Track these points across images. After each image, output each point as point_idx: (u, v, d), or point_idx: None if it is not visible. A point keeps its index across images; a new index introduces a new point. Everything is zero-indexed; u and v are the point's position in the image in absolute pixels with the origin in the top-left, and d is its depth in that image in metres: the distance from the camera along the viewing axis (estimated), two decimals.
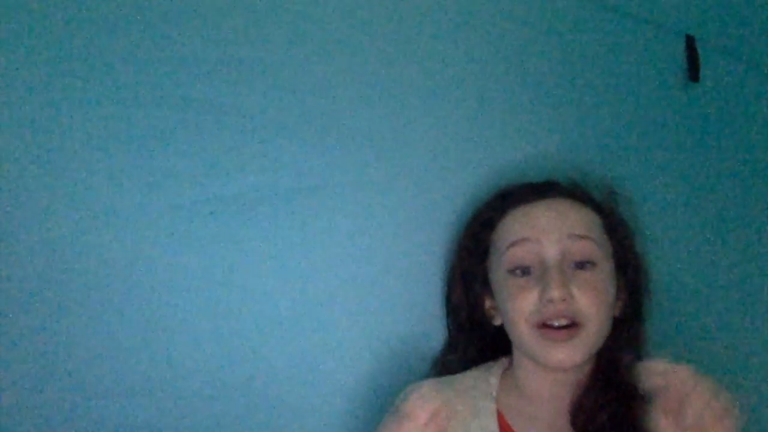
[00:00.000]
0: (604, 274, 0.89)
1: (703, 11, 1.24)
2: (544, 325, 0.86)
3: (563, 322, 0.85)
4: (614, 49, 1.17)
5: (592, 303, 0.86)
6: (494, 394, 0.91)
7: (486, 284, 0.95)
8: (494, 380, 0.92)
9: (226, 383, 0.87)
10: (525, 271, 0.88)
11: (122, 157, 0.84)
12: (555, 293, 0.84)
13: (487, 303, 0.96)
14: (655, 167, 1.18)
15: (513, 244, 0.89)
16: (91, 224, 0.82)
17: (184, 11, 0.88)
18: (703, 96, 1.23)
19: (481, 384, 0.92)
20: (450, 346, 0.99)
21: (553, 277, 0.85)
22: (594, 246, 0.89)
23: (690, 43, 1.21)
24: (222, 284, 0.88)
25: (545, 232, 0.88)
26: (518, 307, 0.87)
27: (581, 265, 0.88)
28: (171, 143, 0.87)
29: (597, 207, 0.95)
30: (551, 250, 0.87)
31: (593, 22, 1.16)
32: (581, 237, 0.88)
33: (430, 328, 1.00)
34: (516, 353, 0.93)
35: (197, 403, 0.86)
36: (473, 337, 0.97)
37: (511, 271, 0.89)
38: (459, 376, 0.94)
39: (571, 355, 0.85)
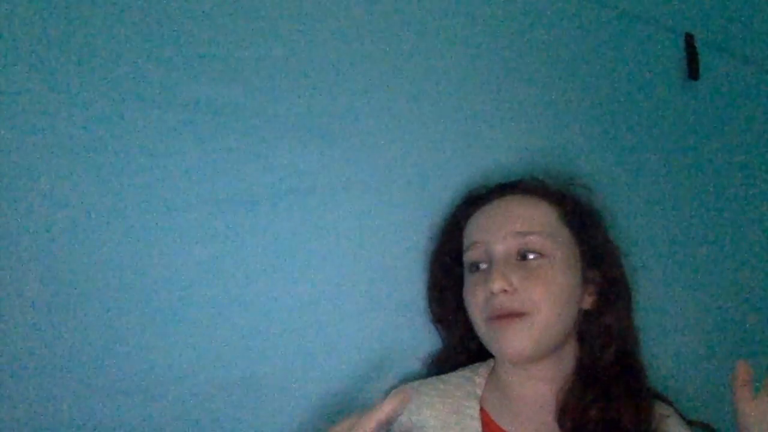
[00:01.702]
0: (555, 265, 0.88)
1: (702, 10, 1.24)
2: (492, 317, 0.87)
3: (506, 312, 0.86)
4: (614, 47, 1.17)
5: (538, 292, 0.85)
6: (479, 393, 0.91)
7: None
8: (479, 380, 0.93)
9: (224, 383, 0.87)
10: (477, 267, 0.91)
11: (122, 158, 0.84)
12: (494, 285, 0.85)
13: None
14: (654, 164, 1.19)
15: (468, 249, 0.92)
16: (91, 224, 0.82)
17: (184, 12, 0.87)
18: (703, 94, 1.23)
19: (465, 384, 0.92)
20: (442, 347, 0.99)
21: (493, 270, 0.87)
22: (541, 239, 0.88)
23: (689, 41, 1.22)
24: (220, 284, 0.88)
25: (492, 233, 0.90)
26: (472, 302, 0.90)
27: (525, 256, 0.88)
28: (170, 143, 0.86)
29: (555, 200, 0.94)
30: (497, 248, 0.89)
31: (592, 20, 1.16)
32: (525, 233, 0.89)
33: (427, 328, 1.00)
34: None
35: (195, 403, 0.86)
36: (459, 338, 0.97)
37: (469, 269, 0.92)
38: (445, 377, 0.94)
39: (519, 342, 0.85)
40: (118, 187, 0.83)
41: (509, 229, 0.89)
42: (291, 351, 0.91)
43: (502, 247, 0.88)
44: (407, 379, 0.97)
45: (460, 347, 0.97)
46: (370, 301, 0.97)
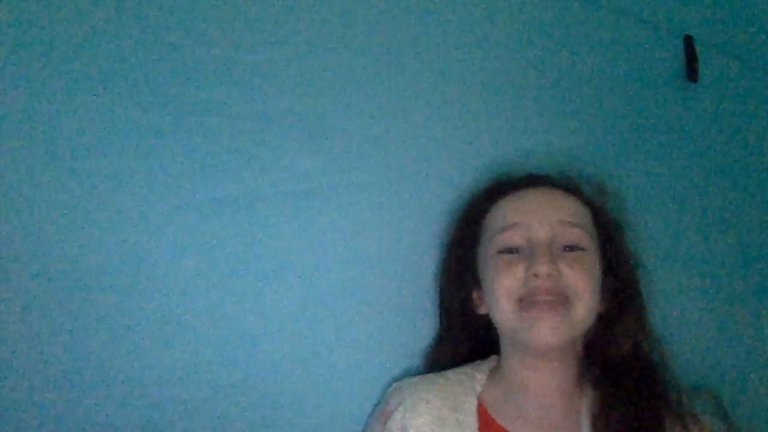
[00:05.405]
0: (593, 259, 0.88)
1: (701, 11, 1.24)
2: (529, 302, 0.84)
3: (550, 298, 0.83)
4: (613, 48, 1.17)
5: (581, 279, 0.84)
6: (479, 389, 0.90)
7: (475, 275, 0.94)
8: (480, 375, 0.92)
9: (224, 383, 0.87)
10: (513, 251, 0.88)
11: (122, 159, 0.85)
12: (542, 268, 0.83)
13: (474, 293, 0.94)
14: (654, 166, 1.18)
15: (503, 229, 0.89)
16: (91, 225, 0.83)
17: (185, 13, 0.88)
18: (702, 96, 1.23)
19: (465, 380, 0.91)
20: (441, 340, 0.98)
21: (541, 253, 0.85)
22: (584, 234, 0.88)
23: (688, 43, 1.22)
24: (221, 285, 0.88)
25: (536, 217, 0.88)
26: (502, 283, 0.86)
27: (571, 248, 0.87)
28: (171, 145, 0.87)
29: (587, 200, 0.94)
30: (541, 232, 0.87)
31: (592, 21, 1.16)
32: (572, 224, 0.88)
33: (425, 326, 1.00)
34: (503, 345, 0.92)
35: (196, 403, 0.86)
36: (464, 331, 0.96)
37: (500, 252, 0.88)
38: (445, 373, 0.93)
39: (555, 332, 0.83)
40: (118, 188, 0.84)
41: (556, 217, 0.88)
42: (291, 352, 0.92)
43: (548, 233, 0.87)
44: (406, 376, 0.96)
45: (461, 338, 0.96)
46: (369, 302, 0.97)
